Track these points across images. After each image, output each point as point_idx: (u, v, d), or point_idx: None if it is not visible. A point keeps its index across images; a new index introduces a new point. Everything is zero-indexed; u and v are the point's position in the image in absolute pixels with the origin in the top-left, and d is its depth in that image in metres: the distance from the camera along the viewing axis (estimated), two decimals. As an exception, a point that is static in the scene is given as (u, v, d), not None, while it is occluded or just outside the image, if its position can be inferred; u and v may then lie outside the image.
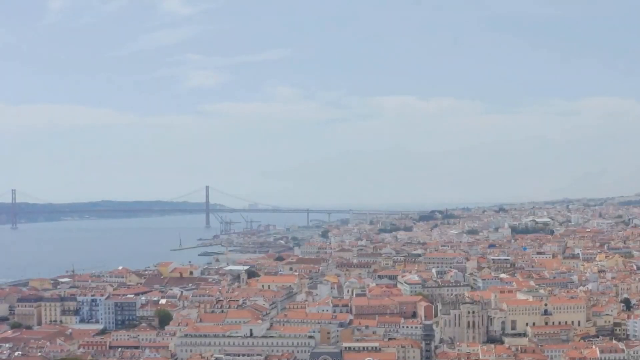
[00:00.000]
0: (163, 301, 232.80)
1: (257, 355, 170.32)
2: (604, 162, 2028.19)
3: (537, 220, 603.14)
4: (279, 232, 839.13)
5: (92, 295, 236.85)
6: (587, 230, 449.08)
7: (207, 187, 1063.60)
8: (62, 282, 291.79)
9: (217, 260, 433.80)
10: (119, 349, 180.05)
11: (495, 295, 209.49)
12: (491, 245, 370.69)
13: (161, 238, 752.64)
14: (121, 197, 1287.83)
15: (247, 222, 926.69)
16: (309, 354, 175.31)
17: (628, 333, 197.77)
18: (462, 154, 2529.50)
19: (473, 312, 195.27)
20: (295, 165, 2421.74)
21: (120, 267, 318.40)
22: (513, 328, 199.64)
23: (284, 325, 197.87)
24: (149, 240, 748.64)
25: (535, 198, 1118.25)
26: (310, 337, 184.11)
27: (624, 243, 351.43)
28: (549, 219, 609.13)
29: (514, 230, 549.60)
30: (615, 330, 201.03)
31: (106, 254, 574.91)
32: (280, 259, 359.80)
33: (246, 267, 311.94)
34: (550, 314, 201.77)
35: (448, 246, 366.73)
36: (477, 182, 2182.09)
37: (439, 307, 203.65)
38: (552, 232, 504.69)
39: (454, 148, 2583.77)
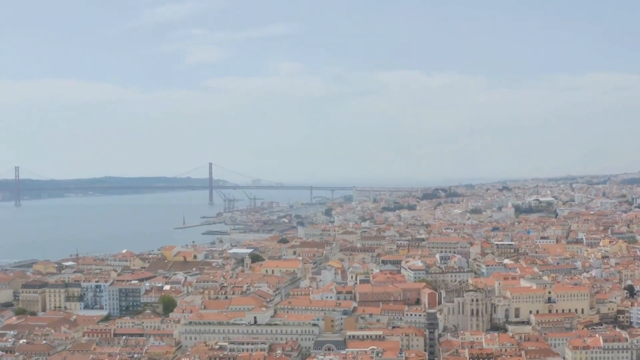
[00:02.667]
0: (167, 287, 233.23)
1: (262, 343, 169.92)
2: (608, 137, 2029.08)
3: (541, 199, 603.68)
4: (282, 209, 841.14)
5: (96, 282, 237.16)
6: (591, 212, 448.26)
7: (210, 164, 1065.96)
8: (67, 266, 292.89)
9: (221, 241, 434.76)
10: (124, 337, 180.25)
11: (499, 283, 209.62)
12: (495, 228, 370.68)
13: (165, 216, 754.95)
14: (124, 174, 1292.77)
15: (251, 200, 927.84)
16: (313, 342, 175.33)
17: (631, 320, 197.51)
18: (465, 130, 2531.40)
19: (477, 300, 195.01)
20: (299, 140, 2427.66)
21: (124, 251, 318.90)
22: (517, 316, 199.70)
23: (288, 312, 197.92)
24: (153, 218, 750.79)
25: (539, 175, 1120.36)
26: (314, 325, 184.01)
27: (628, 227, 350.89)
28: (552, 198, 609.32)
29: (518, 209, 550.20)
30: (619, 317, 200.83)
31: (110, 233, 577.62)
32: (284, 240, 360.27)
33: (250, 250, 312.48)
34: (554, 302, 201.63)
35: (452, 229, 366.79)
36: (481, 158, 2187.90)
37: (443, 294, 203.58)
38: (555, 213, 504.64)
39: (457, 124, 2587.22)
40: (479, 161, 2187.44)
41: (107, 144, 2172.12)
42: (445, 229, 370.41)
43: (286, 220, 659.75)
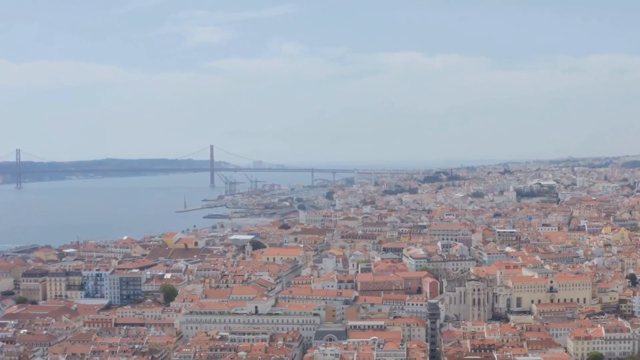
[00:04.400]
0: (168, 276, 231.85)
1: (263, 334, 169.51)
2: (610, 119, 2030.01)
3: (543, 183, 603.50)
4: (283, 192, 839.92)
5: (97, 270, 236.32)
6: (593, 198, 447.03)
7: (211, 147, 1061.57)
8: (67, 254, 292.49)
9: (222, 226, 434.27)
10: (125, 327, 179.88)
11: (501, 272, 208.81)
12: (496, 215, 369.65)
13: (166, 198, 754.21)
14: (125, 155, 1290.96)
15: (252, 182, 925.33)
16: (315, 332, 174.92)
17: (633, 310, 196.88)
18: (467, 111, 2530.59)
19: (478, 290, 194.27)
20: (300, 122, 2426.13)
21: (125, 237, 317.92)
22: (518, 305, 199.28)
23: (289, 301, 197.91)
24: (154, 201, 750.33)
25: (540, 156, 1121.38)
26: (315, 314, 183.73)
27: (630, 214, 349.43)
28: (554, 182, 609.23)
29: (519, 193, 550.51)
30: (621, 307, 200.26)
31: (111, 216, 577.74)
32: (285, 226, 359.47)
33: (251, 237, 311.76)
34: (556, 291, 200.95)
35: (453, 215, 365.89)
36: (482, 139, 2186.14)
37: (444, 283, 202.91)
38: (557, 198, 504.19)
39: (459, 105, 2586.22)
40: (480, 142, 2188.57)
41: (108, 126, 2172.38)
42: (446, 214, 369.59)
43: (287, 204, 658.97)
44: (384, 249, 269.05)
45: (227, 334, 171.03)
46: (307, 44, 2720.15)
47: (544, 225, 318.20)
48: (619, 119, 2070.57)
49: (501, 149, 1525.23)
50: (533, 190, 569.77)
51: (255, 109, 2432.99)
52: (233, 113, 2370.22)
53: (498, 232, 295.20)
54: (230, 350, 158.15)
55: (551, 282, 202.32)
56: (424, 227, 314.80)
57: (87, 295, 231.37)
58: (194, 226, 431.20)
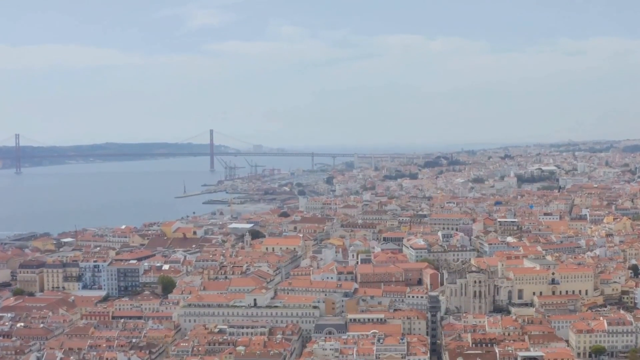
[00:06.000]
0: (166, 267, 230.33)
1: (262, 327, 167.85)
2: (611, 102, 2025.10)
3: (544, 168, 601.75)
4: (283, 176, 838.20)
5: (95, 261, 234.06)
6: (594, 186, 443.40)
7: (211, 131, 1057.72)
8: (65, 243, 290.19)
9: (221, 213, 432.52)
10: (122, 320, 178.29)
11: (502, 264, 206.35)
12: (497, 203, 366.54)
13: (166, 183, 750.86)
14: (125, 140, 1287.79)
15: (252, 167, 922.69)
16: (314, 325, 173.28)
17: (636, 302, 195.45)
18: (467, 94, 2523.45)
19: (479, 282, 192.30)
20: (300, 105, 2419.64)
21: (123, 227, 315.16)
22: (520, 297, 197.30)
23: (288, 294, 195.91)
24: (154, 186, 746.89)
25: (541, 140, 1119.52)
26: (315, 307, 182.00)
27: (632, 202, 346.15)
28: (555, 167, 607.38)
29: (520, 178, 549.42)
30: (623, 298, 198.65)
31: (111, 202, 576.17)
32: (284, 214, 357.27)
33: (250, 226, 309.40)
34: (558, 283, 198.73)
35: (454, 203, 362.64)
36: (483, 122, 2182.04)
37: (445, 275, 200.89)
38: (558, 184, 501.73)
39: (459, 88, 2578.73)
40: (480, 125, 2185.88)
41: (108, 110, 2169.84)
42: (447, 202, 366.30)
43: (287, 189, 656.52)
44: (384, 239, 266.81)
45: (226, 327, 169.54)
46: (307, 27, 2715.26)
47: (545, 214, 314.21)
48: (619, 102, 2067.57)
49: (501, 132, 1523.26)
50: (534, 176, 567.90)
51: (256, 92, 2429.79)
52: (233, 96, 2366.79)
53: (499, 221, 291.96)
54: (228, 345, 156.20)
55: (553, 273, 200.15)
56: (424, 216, 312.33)
57: (84, 287, 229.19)
58: (193, 212, 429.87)
